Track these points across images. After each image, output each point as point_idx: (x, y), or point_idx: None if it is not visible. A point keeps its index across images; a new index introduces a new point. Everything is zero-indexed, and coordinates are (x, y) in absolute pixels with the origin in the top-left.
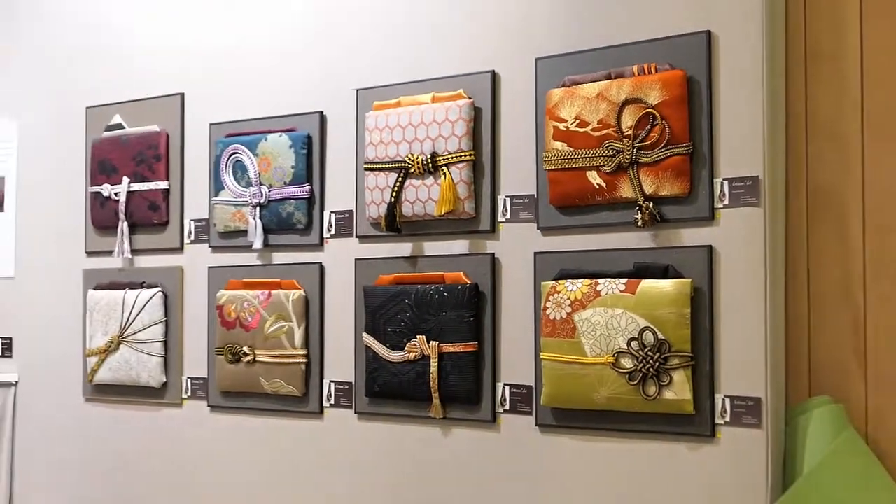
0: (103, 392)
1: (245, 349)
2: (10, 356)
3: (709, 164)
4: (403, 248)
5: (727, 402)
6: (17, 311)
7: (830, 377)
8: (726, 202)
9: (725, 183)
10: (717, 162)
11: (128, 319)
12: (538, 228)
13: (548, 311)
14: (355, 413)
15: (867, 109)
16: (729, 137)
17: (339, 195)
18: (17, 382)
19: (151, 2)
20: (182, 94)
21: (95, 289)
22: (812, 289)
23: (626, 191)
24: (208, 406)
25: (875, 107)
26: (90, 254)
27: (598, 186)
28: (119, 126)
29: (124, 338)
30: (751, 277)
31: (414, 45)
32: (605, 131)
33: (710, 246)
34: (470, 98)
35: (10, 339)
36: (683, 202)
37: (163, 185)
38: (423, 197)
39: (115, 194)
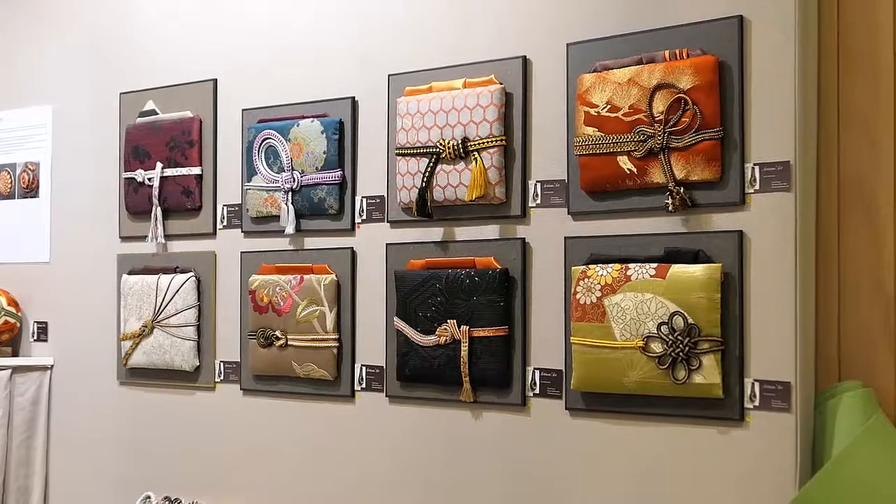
0: (137, 376)
1: (277, 333)
2: (46, 340)
3: (740, 149)
4: (434, 233)
5: (756, 386)
6: (52, 296)
7: (860, 362)
8: (757, 187)
9: (756, 168)
10: (748, 147)
11: (161, 304)
12: (569, 213)
13: (578, 296)
14: (386, 396)
15: None
16: (760, 123)
17: (370, 180)
18: (52, 366)
19: None
20: (215, 80)
21: (129, 273)
22: (842, 275)
23: (656, 176)
24: (241, 389)
25: None
26: (124, 239)
27: (628, 171)
28: (152, 112)
29: (158, 322)
30: (781, 263)
31: (445, 30)
32: (636, 116)
33: (741, 231)
34: (501, 83)
35: (46, 323)
36: (714, 187)
37: (196, 170)
38: (454, 182)
39: (149, 180)
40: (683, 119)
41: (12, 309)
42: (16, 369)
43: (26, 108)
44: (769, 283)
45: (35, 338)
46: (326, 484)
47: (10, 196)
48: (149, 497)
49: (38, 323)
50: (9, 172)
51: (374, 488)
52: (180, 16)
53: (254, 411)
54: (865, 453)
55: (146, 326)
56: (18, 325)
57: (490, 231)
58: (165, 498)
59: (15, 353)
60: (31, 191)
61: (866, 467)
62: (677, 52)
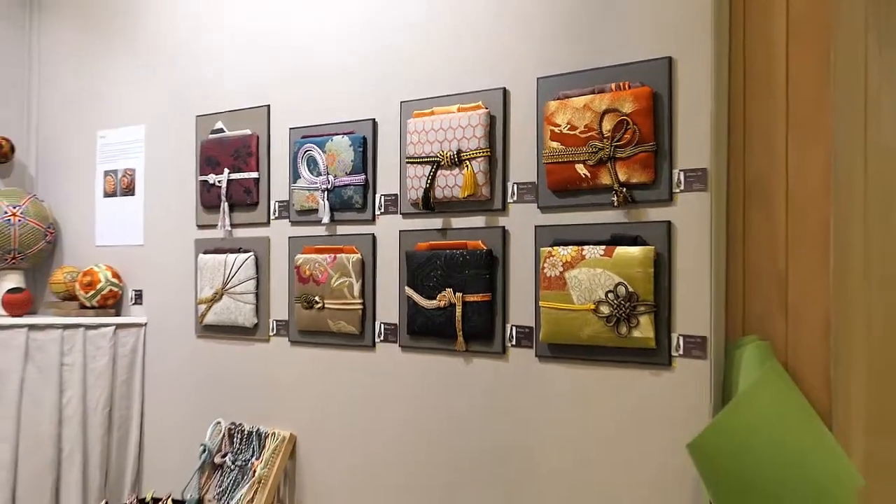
0: (210, 331)
1: (316, 298)
2: (141, 304)
3: (668, 158)
4: (436, 223)
5: (681, 339)
6: (145, 270)
7: (759, 321)
8: (682, 188)
9: (681, 173)
10: (675, 157)
11: (228, 276)
12: (538, 207)
13: (545, 270)
14: (399, 347)
15: (791, 118)
16: (684, 138)
17: (387, 182)
18: (146, 324)
19: (246, 35)
20: (268, 106)
21: (204, 253)
22: (746, 256)
23: (605, 179)
24: (289, 341)
25: (796, 116)
26: (200, 227)
27: (584, 176)
28: (221, 130)
29: (226, 290)
30: (699, 246)
31: (444, 68)
32: (589, 134)
33: (669, 221)
34: (486, 108)
35: (141, 291)
36: (649, 188)
37: (254, 174)
38: (451, 183)
39: (218, 182)
40: (626, 136)
41: (116, 280)
42: (119, 326)
43: (125, 127)
44: (690, 261)
45: (133, 302)
46: (353, 412)
47: (113, 194)
48: (219, 422)
49: (135, 291)
50: (112, 177)
51: (389, 416)
52: (243, 56)
53: (298, 358)
54: (763, 390)
55: (217, 293)
56: (120, 292)
57: (478, 221)
58: (231, 423)
59: (118, 314)
60: (129, 191)
61: (763, 401)
62: (621, 84)
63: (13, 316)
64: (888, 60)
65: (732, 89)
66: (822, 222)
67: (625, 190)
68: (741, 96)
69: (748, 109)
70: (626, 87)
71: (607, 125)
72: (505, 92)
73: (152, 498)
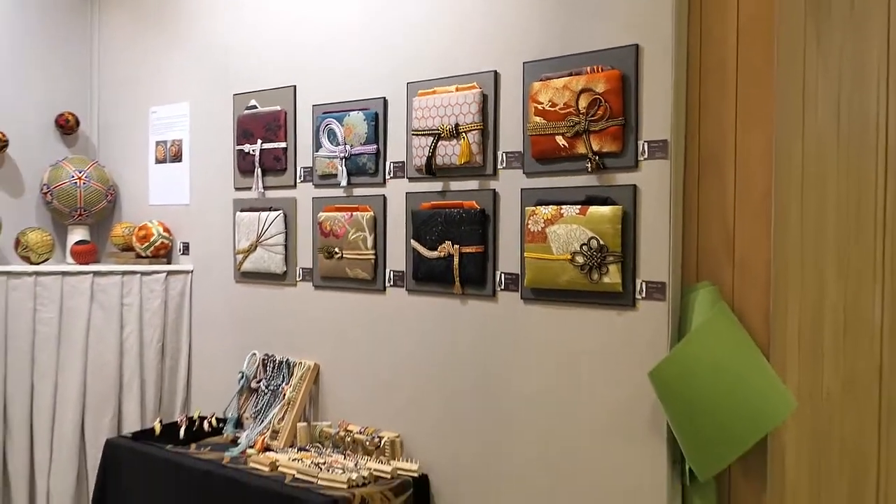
0: (246, 277)
1: (336, 249)
2: (188, 254)
3: (635, 131)
4: (437, 186)
5: (643, 284)
6: (191, 225)
7: (710, 270)
8: (646, 157)
9: (645, 144)
10: (640, 130)
11: (262, 231)
12: (524, 173)
13: (529, 226)
14: (406, 290)
15: (739, 98)
16: (648, 114)
17: (395, 151)
18: (192, 271)
19: (276, 26)
20: (294, 86)
21: (241, 211)
22: (700, 214)
23: (580, 149)
24: (313, 286)
25: (744, 97)
26: (237, 188)
27: (562, 146)
28: (254, 107)
29: (259, 242)
30: (660, 206)
31: (444, 54)
32: (567, 110)
33: (635, 185)
34: (480, 88)
35: (188, 243)
36: (618, 156)
37: (282, 145)
38: (450, 152)
39: (252, 151)
40: (598, 112)
41: (166, 234)
42: (169, 273)
43: (173, 104)
44: (652, 218)
45: (181, 252)
46: (367, 345)
47: (164, 161)
48: (254, 354)
49: (182, 242)
50: (162, 146)
51: (397, 348)
52: (273, 44)
53: (321, 300)
54: (712, 328)
55: (252, 245)
56: (170, 244)
57: (472, 184)
58: (265, 354)
59: (168, 262)
60: (177, 158)
61: (712, 337)
62: (595, 67)
63: (81, 264)
64: (823, 52)
65: (690, 73)
66: (765, 188)
67: (597, 158)
68: (697, 79)
69: (703, 90)
70: (599, 70)
71: (583, 103)
72: (496, 74)
73: (199, 416)
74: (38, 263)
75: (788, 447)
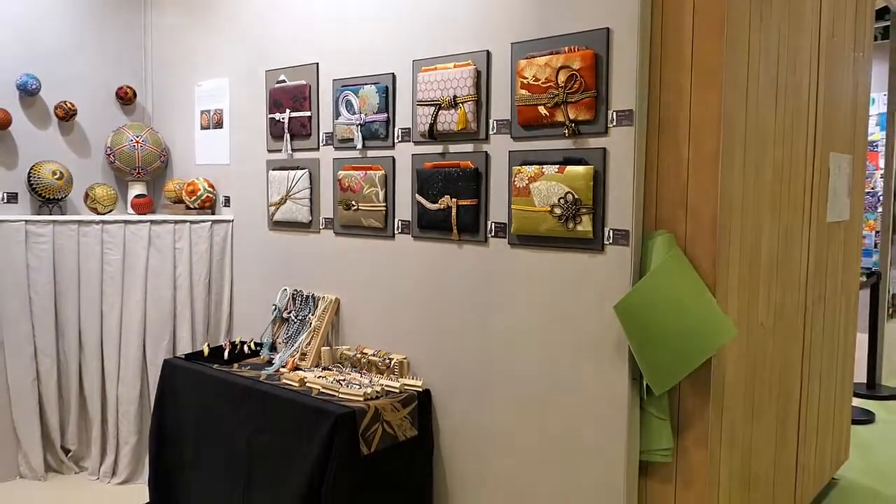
0: (278, 226)
1: (353, 202)
2: (229, 206)
3: (605, 102)
4: (437, 148)
5: (611, 232)
6: (231, 182)
7: (667, 219)
8: (614, 124)
9: (614, 113)
10: (610, 101)
11: (290, 186)
12: (511, 138)
13: (515, 183)
14: (412, 237)
15: (694, 72)
16: (617, 87)
17: (403, 119)
18: (233, 220)
19: (304, 11)
20: (317, 63)
21: (273, 170)
22: (659, 171)
23: (559, 117)
24: (334, 233)
25: (698, 71)
26: (269, 151)
27: (544, 115)
28: (283, 81)
29: (289, 196)
30: (625, 165)
31: (443, 35)
32: (548, 84)
33: (605, 148)
34: (474, 65)
35: (229, 196)
36: (591, 124)
37: (308, 113)
38: (449, 120)
39: (282, 119)
40: (575, 86)
41: (211, 189)
42: (213, 222)
43: (214, 79)
44: (619, 176)
45: (223, 205)
46: (379, 283)
47: (207, 128)
48: (285, 289)
49: (224, 196)
50: (206, 115)
51: (404, 285)
52: (300, 26)
53: (340, 244)
54: (668, 271)
55: (282, 199)
56: (214, 197)
57: (468, 147)
58: (294, 289)
59: (213, 213)
60: (218, 125)
61: (667, 274)
62: (572, 47)
63: (139, 214)
64: (765, 33)
65: (653, 51)
66: (713, 150)
67: (573, 125)
68: (659, 56)
69: (664, 66)
70: (576, 49)
71: (562, 78)
72: (488, 53)
73: (240, 341)
74: (104, 214)
75: (728, 367)
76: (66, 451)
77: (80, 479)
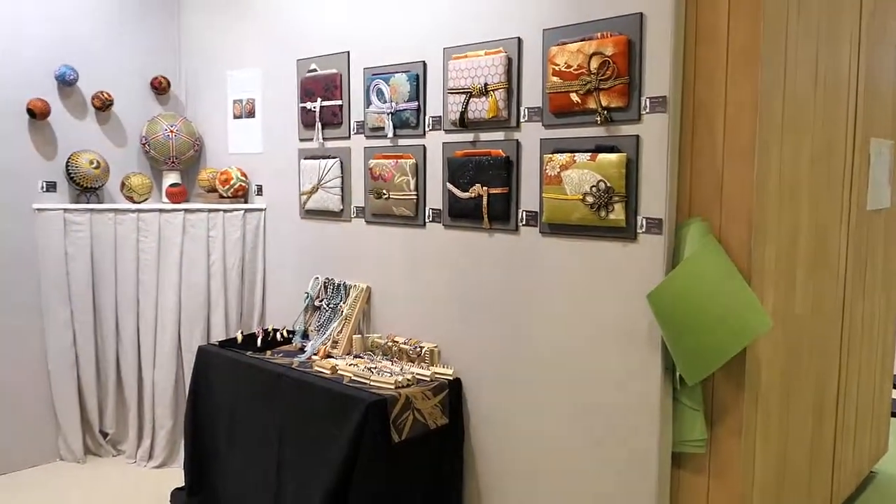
0: (310, 214)
1: (384, 191)
2: (262, 195)
3: (638, 88)
4: (468, 136)
5: (643, 220)
6: (264, 170)
7: (701, 207)
8: (647, 110)
9: (647, 100)
10: (643, 87)
11: (322, 175)
12: (542, 125)
13: (547, 171)
14: (442, 225)
15: (729, 59)
16: (650, 73)
17: (434, 107)
18: (265, 209)
19: (335, 2)
20: (348, 52)
21: (304, 159)
22: (692, 158)
23: (591, 104)
24: (365, 221)
25: (733, 58)
26: (301, 140)
27: (576, 102)
28: (314, 70)
29: (320, 185)
30: (659, 152)
31: (474, 22)
32: (581, 71)
33: (638, 135)
34: (505, 52)
35: (262, 185)
36: (623, 111)
37: (339, 102)
38: (480, 108)
39: (313, 108)
40: (607, 72)
41: (244, 178)
42: (246, 210)
43: (246, 68)
44: (652, 164)
45: (256, 193)
46: (410, 271)
47: (240, 117)
48: (317, 277)
49: (257, 185)
50: (239, 104)
51: (435, 273)
52: (331, 16)
53: (371, 233)
54: (702, 256)
55: (314, 187)
56: (247, 186)
57: (499, 135)
58: (326, 278)
59: (246, 202)
60: (251, 114)
61: (701, 263)
62: (605, 33)
63: (174, 203)
64: (804, 11)
65: (687, 36)
66: (749, 136)
67: (605, 112)
68: (693, 40)
69: (698, 52)
70: (608, 35)
71: (594, 64)
72: (519, 40)
73: (273, 329)
74: (139, 202)
75: (764, 357)
76: (105, 435)
77: (117, 462)
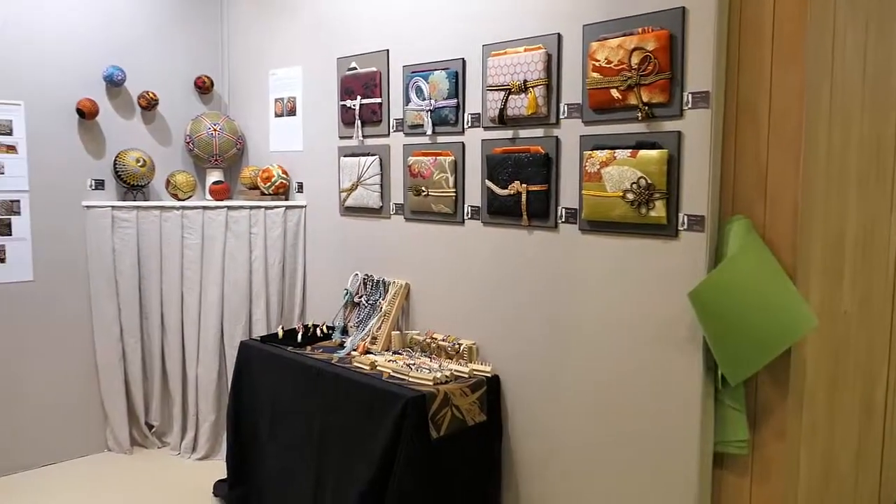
0: (350, 211)
1: (423, 188)
2: (302, 192)
3: (680, 84)
4: (507, 133)
5: (685, 217)
6: (304, 168)
7: (745, 203)
8: (689, 106)
9: (689, 95)
10: (685, 82)
11: (361, 172)
12: (582, 122)
13: (586, 168)
14: (481, 222)
15: (774, 50)
16: (693, 69)
17: (472, 104)
18: (306, 206)
19: (375, 3)
20: (388, 50)
21: (344, 156)
22: (736, 154)
23: (632, 100)
24: (404, 218)
25: (779, 49)
26: (341, 137)
27: (616, 98)
28: (354, 68)
29: (360, 182)
30: (701, 148)
31: (514, 19)
32: (621, 67)
33: (680, 131)
34: (545, 49)
35: (302, 182)
36: (665, 106)
37: (378, 100)
38: (519, 105)
39: (353, 106)
40: (649, 68)
41: (285, 175)
42: (287, 207)
43: (287, 67)
44: (694, 160)
45: (297, 190)
46: (448, 267)
47: (281, 115)
48: (357, 274)
49: (298, 182)
50: (280, 103)
51: (474, 270)
52: (370, 14)
53: (410, 230)
54: (745, 256)
55: (354, 185)
56: (288, 183)
57: (538, 132)
58: (365, 274)
59: (286, 199)
60: (292, 112)
61: (745, 261)
62: (646, 28)
63: (217, 200)
64: (851, 8)
65: (730, 28)
66: (795, 132)
67: (647, 108)
68: (737, 35)
69: (742, 45)
70: (650, 30)
71: (635, 60)
72: (559, 36)
73: (313, 324)
74: (184, 200)
75: (809, 358)
76: (150, 427)
77: (162, 454)
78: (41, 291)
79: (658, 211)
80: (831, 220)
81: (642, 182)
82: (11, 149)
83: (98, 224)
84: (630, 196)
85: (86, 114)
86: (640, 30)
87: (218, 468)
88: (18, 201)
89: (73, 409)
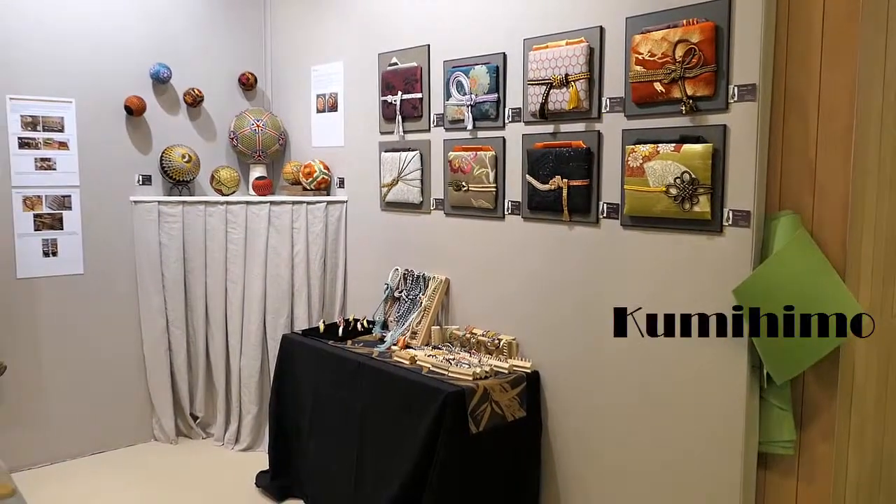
0: (390, 206)
1: (463, 183)
2: (344, 187)
3: (726, 77)
4: (548, 128)
5: (730, 213)
6: (345, 163)
7: (792, 198)
8: (735, 99)
9: (735, 88)
10: (731, 75)
11: (402, 168)
12: (625, 116)
13: (629, 162)
14: (522, 218)
15: (825, 44)
16: (739, 61)
17: (513, 99)
18: (347, 201)
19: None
20: (428, 45)
21: (385, 151)
22: (783, 148)
23: (676, 93)
24: (444, 213)
25: (829, 43)
26: (382, 133)
27: (660, 91)
28: (395, 64)
29: (400, 177)
30: (747, 143)
31: (555, 13)
32: (665, 59)
33: (725, 125)
34: (587, 42)
35: (343, 178)
36: (710, 100)
37: (419, 95)
38: (561, 99)
39: (394, 101)
40: (693, 60)
41: (326, 171)
42: (329, 202)
43: (329, 63)
44: (740, 154)
45: (338, 186)
46: (489, 263)
47: (323, 111)
48: (397, 269)
49: (339, 178)
50: (322, 99)
51: (514, 266)
52: (412, 10)
53: (451, 225)
54: (792, 252)
55: (394, 180)
56: (329, 179)
57: (580, 126)
58: (405, 269)
59: (328, 194)
60: (333, 108)
61: (793, 260)
62: (691, 20)
63: (260, 195)
64: None
65: (778, 20)
66: (845, 124)
67: (691, 102)
68: (785, 27)
69: (790, 37)
70: (695, 22)
71: (679, 52)
72: (601, 29)
73: (353, 319)
74: (228, 195)
75: (858, 358)
76: (195, 418)
77: (206, 445)
78: (91, 284)
79: (702, 206)
80: (884, 217)
81: (686, 177)
82: (63, 145)
83: (145, 218)
84: (673, 191)
85: (133, 111)
86: (684, 22)
87: (260, 459)
88: (70, 196)
89: (121, 400)
